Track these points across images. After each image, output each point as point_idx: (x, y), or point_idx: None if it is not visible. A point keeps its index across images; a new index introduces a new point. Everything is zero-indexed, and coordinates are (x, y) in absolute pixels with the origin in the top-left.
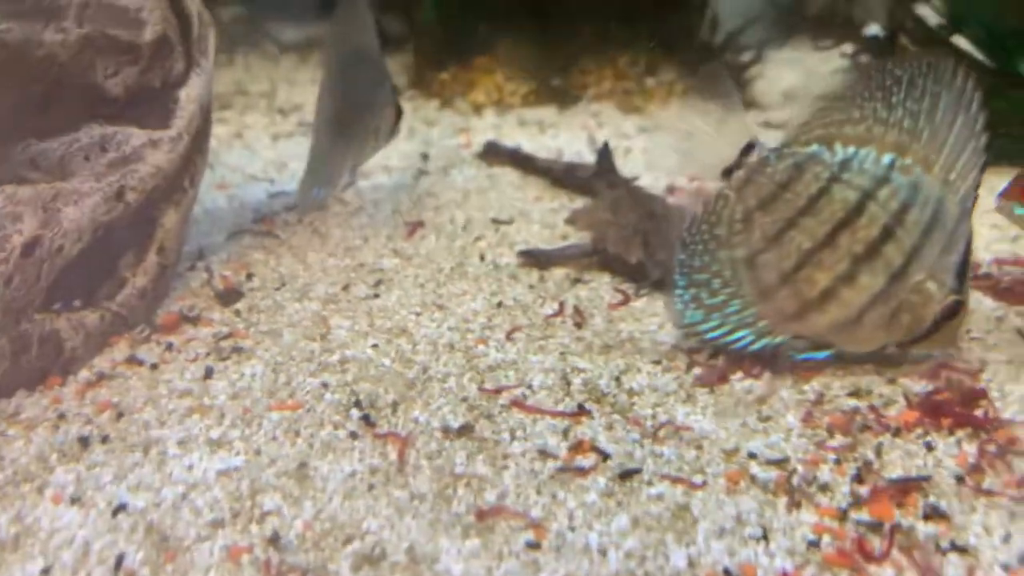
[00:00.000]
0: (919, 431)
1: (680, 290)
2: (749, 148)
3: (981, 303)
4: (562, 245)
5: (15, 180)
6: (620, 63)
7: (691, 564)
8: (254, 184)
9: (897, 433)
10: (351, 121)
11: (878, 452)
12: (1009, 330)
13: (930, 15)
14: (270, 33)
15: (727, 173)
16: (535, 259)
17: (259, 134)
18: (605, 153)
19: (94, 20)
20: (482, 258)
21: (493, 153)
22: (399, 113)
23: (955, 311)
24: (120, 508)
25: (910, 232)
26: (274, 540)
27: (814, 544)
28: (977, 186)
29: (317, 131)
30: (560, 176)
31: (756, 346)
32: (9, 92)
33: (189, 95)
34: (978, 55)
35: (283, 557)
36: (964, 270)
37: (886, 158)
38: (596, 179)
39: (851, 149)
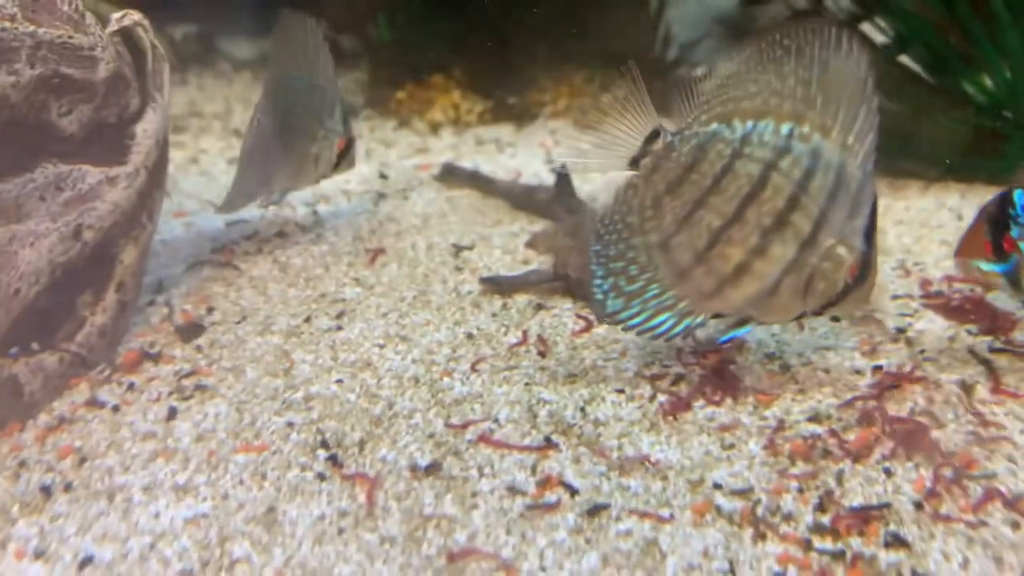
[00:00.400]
0: (878, 455)
1: (599, 280)
2: (654, 135)
3: (933, 322)
4: (524, 271)
5: None
6: (576, 80)
7: None
8: (211, 211)
9: (857, 459)
10: (280, 147)
11: (839, 479)
12: (961, 349)
13: (876, 35)
14: (223, 50)
15: (634, 162)
16: (497, 286)
17: (215, 159)
18: (563, 178)
19: (46, 61)
20: (444, 283)
21: (451, 175)
22: (350, 142)
23: (866, 273)
24: (86, 561)
25: (815, 199)
26: None
27: (781, 574)
28: (875, 148)
29: (243, 151)
30: (519, 200)
31: (678, 329)
32: None
33: (145, 130)
34: (923, 74)
35: None
36: (872, 232)
37: (784, 128)
38: (555, 203)
39: (749, 124)
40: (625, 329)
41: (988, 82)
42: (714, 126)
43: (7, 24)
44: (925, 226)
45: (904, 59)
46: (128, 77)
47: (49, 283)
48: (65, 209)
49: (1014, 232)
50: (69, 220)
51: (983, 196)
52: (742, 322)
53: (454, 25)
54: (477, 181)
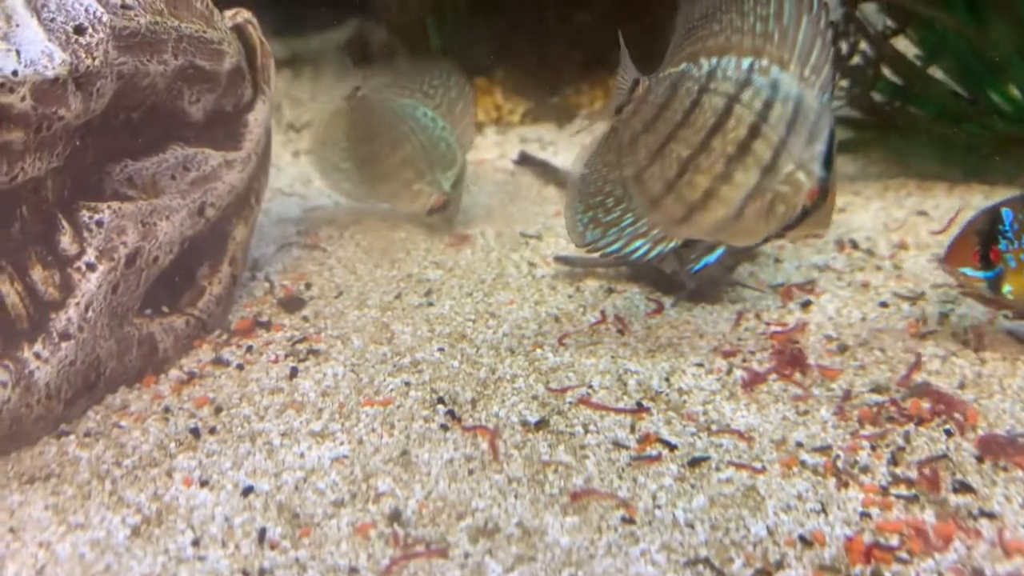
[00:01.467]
0: (937, 421)
1: (579, 215)
2: (635, 83)
3: (973, 308)
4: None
5: (117, 197)
6: (610, 83)
7: (770, 532)
8: (285, 199)
9: (920, 423)
10: (391, 165)
11: (906, 438)
12: (1000, 332)
13: (908, 47)
14: None
15: (618, 111)
16: (570, 264)
17: (279, 151)
18: None
19: (186, 52)
20: (518, 268)
21: (525, 162)
22: (445, 204)
23: (823, 195)
24: (248, 490)
25: (775, 128)
26: (395, 517)
27: (866, 515)
28: (832, 78)
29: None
30: None
31: (652, 253)
32: (117, 117)
33: (256, 119)
34: (954, 85)
35: (406, 531)
36: (830, 158)
37: (745, 63)
38: None
39: (714, 60)
40: (603, 255)
41: (1015, 92)
42: (683, 65)
43: (158, 18)
44: (954, 223)
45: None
46: (244, 70)
47: (179, 254)
48: (192, 188)
49: (1002, 245)
50: (195, 198)
51: (1004, 196)
52: (711, 248)
53: (496, 30)
54: (547, 170)
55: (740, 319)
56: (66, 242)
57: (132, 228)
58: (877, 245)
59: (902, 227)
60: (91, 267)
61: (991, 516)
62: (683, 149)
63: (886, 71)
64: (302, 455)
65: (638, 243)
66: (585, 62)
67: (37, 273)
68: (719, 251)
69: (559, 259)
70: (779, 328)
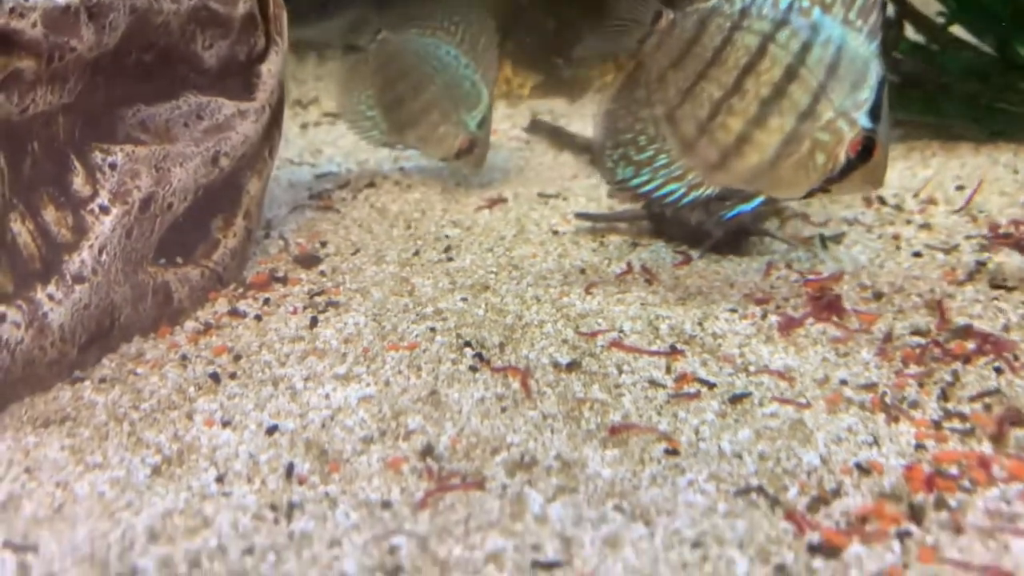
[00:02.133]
0: (988, 358)
1: (609, 150)
2: (657, 16)
3: (1010, 256)
4: (618, 210)
5: (130, 141)
6: (620, 57)
7: (823, 461)
8: (295, 168)
9: (968, 361)
10: (417, 108)
11: (955, 376)
12: None
13: (928, 3)
14: None
15: (641, 42)
16: (591, 220)
17: (287, 123)
18: None
19: None
20: (538, 225)
21: (537, 128)
22: (472, 144)
23: (869, 148)
24: (272, 429)
25: (814, 71)
26: (427, 452)
27: (921, 447)
28: (881, 24)
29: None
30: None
31: (687, 199)
32: (129, 57)
33: (269, 70)
34: (979, 43)
35: (440, 465)
36: (878, 108)
37: (784, 2)
38: None
39: None
40: (637, 195)
41: None
42: (714, 1)
43: None
44: (984, 180)
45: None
46: (257, 18)
47: (193, 203)
48: (205, 136)
49: None
50: (209, 146)
51: None
52: (749, 197)
53: (506, 2)
54: (559, 135)
55: (770, 269)
56: (79, 183)
57: (146, 172)
58: (905, 201)
59: (928, 184)
60: (104, 210)
61: None
62: (714, 89)
63: (909, 30)
64: (327, 396)
65: (673, 186)
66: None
67: (50, 214)
68: (756, 201)
69: (580, 216)
70: (813, 276)
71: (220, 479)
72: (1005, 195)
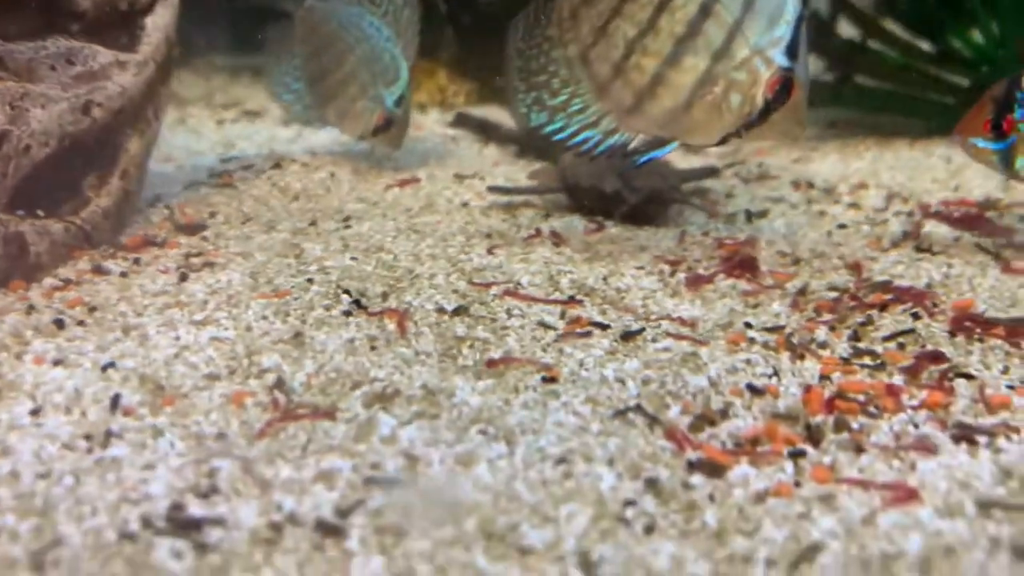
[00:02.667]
0: (905, 306)
1: (521, 95)
2: None
3: (939, 228)
4: (531, 183)
5: None
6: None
7: (712, 383)
8: (202, 157)
9: (884, 308)
10: (336, 83)
11: (868, 320)
12: (967, 245)
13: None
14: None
15: None
16: (504, 192)
17: (203, 120)
18: None
19: None
20: (449, 201)
21: (463, 123)
22: (388, 121)
23: (787, 87)
24: (109, 366)
25: (729, 8)
26: (278, 386)
27: (826, 379)
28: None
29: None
30: (525, 141)
31: (602, 147)
32: None
33: (155, 23)
34: (910, 36)
35: (291, 399)
36: (796, 46)
37: None
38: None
39: None
40: (552, 141)
41: (978, 37)
42: None
43: None
44: (917, 168)
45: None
46: None
47: (57, 150)
48: (75, 82)
49: (1017, 114)
50: (79, 94)
51: None
52: (663, 142)
53: (439, 12)
54: (486, 127)
55: (685, 237)
56: None
57: None
58: (836, 187)
59: (860, 173)
60: None
61: (969, 377)
62: (628, 27)
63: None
64: (177, 338)
65: (588, 133)
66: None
67: None
68: (669, 147)
69: (492, 189)
70: (729, 241)
71: (35, 412)
72: (937, 182)
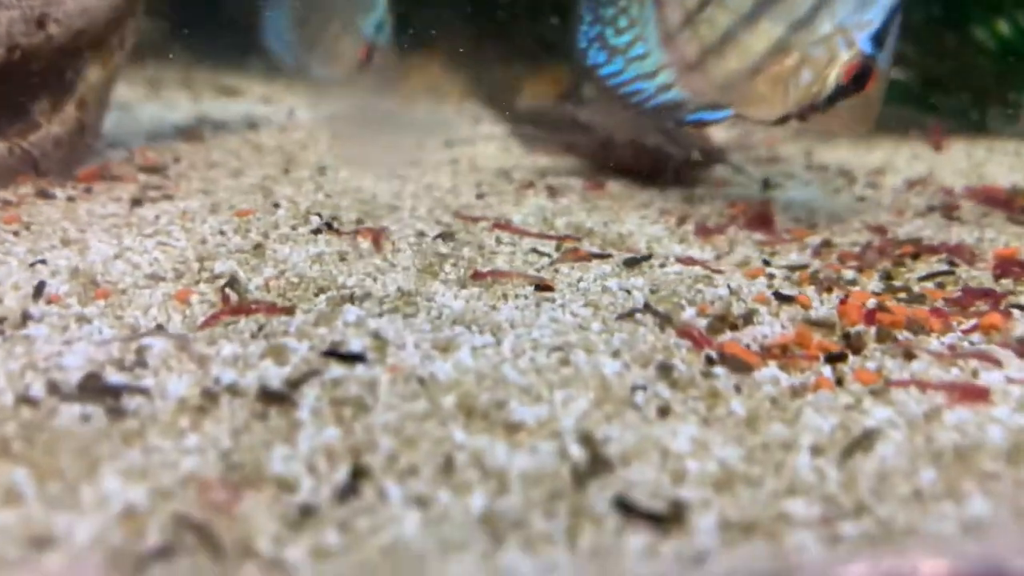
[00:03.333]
0: (939, 256)
1: (585, 26)
2: None
3: (965, 204)
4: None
5: None
6: (559, 71)
7: (733, 292)
8: (174, 122)
9: (916, 257)
10: (316, 25)
11: (901, 263)
12: (999, 219)
13: None
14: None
15: None
16: (530, 140)
17: (176, 96)
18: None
19: None
20: (438, 161)
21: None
22: (370, 51)
23: (864, 75)
24: (39, 263)
25: None
26: (231, 284)
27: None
28: None
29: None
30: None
31: (654, 101)
32: None
33: None
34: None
35: (244, 297)
36: (883, 36)
37: None
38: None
39: None
40: (601, 82)
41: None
42: None
43: None
44: (936, 160)
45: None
46: None
47: (6, 60)
48: None
49: None
50: (33, 5)
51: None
52: (718, 107)
53: (438, 11)
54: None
55: (694, 197)
56: None
57: None
58: (851, 172)
59: (875, 161)
60: None
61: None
62: None
63: None
64: (120, 244)
65: (642, 84)
66: (524, 43)
67: None
68: (722, 113)
69: (516, 133)
70: (741, 203)
71: None
72: (959, 173)
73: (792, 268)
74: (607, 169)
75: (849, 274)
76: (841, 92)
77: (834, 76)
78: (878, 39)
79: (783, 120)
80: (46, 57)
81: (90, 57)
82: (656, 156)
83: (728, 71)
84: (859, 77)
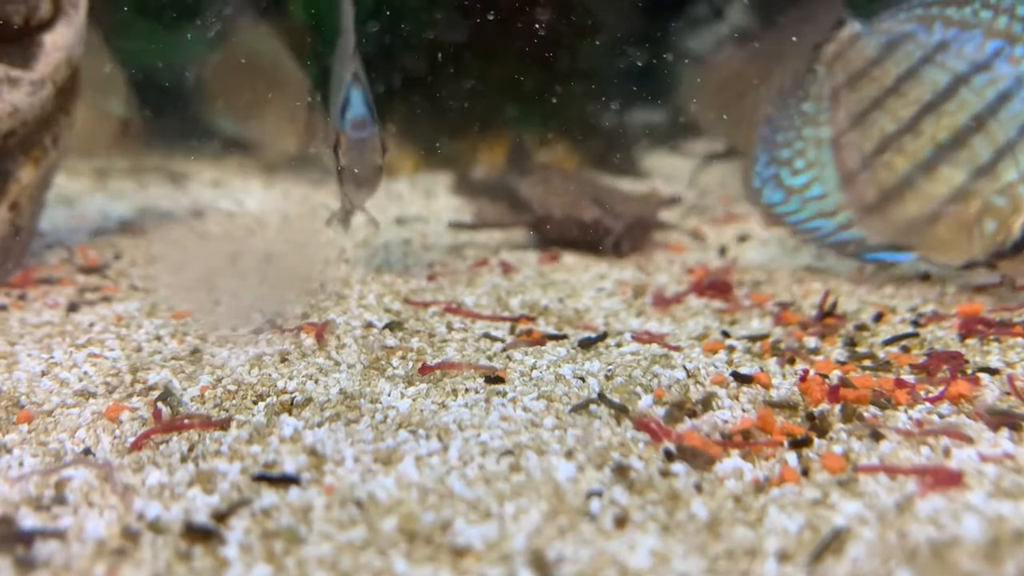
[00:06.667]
0: (900, 317)
1: (761, 167)
2: (840, 23)
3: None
4: (493, 219)
5: None
6: (514, 138)
7: (690, 375)
8: (118, 214)
9: (879, 319)
10: None
11: (862, 328)
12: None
13: None
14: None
15: (817, 47)
16: (468, 228)
17: (123, 187)
18: (520, 147)
19: None
20: (389, 241)
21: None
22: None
23: None
24: None
25: (1005, 127)
26: (164, 398)
27: (823, 376)
28: None
29: None
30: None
31: (833, 238)
32: None
33: (55, 42)
34: None
35: (177, 411)
36: None
37: (991, 44)
38: (511, 173)
39: (952, 30)
40: (781, 223)
41: None
42: (911, 25)
43: None
44: None
45: None
46: None
47: None
48: None
49: None
50: None
51: None
52: (900, 248)
53: (392, 81)
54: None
55: (651, 265)
56: None
57: None
58: None
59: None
60: None
61: (993, 371)
62: (888, 121)
63: None
64: (50, 358)
65: (821, 222)
66: (477, 113)
67: None
68: (905, 255)
69: (453, 224)
70: (699, 267)
71: None
72: None
73: (752, 338)
74: (555, 242)
75: (811, 342)
76: None
77: (1020, 226)
78: None
79: (971, 266)
80: None
81: (22, 157)
82: (595, 229)
83: (908, 216)
84: None
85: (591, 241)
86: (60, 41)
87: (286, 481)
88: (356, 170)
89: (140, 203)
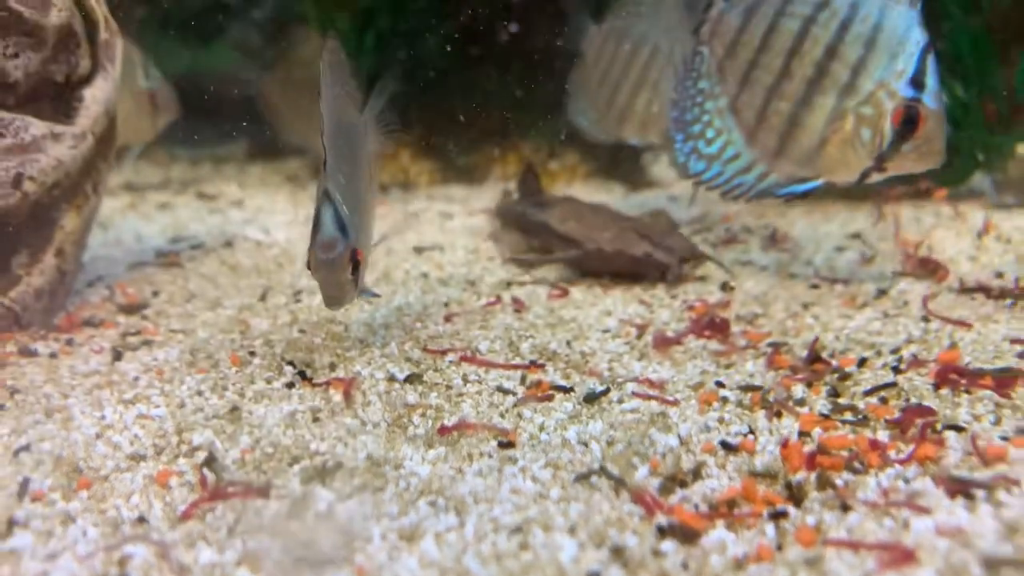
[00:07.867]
0: (883, 360)
1: (679, 144)
2: (708, 5)
3: (913, 285)
4: (549, 255)
5: None
6: (524, 149)
7: (683, 443)
8: (150, 238)
9: (861, 365)
10: None
11: (846, 377)
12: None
13: None
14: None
15: (696, 30)
16: (527, 265)
17: (149, 208)
18: (530, 172)
19: None
20: (407, 272)
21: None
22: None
23: (912, 117)
24: (23, 449)
25: (852, 47)
26: (208, 463)
27: (805, 435)
28: None
29: None
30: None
31: (756, 189)
32: None
33: (95, 95)
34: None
35: (221, 477)
36: (920, 76)
37: None
38: (524, 201)
39: None
40: (708, 188)
41: None
42: None
43: None
44: (888, 229)
45: None
46: (79, 35)
47: None
48: (5, 155)
49: None
50: (9, 166)
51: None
52: (806, 179)
53: (404, 93)
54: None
55: (654, 301)
56: None
57: None
58: (804, 246)
59: (830, 237)
60: None
61: (959, 428)
62: (765, 75)
63: None
64: (103, 418)
65: (741, 179)
66: (492, 126)
67: None
68: (812, 184)
69: (512, 260)
70: (698, 303)
71: None
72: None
73: (744, 388)
74: (595, 274)
75: (799, 391)
76: (899, 137)
77: (888, 126)
78: (916, 81)
79: (865, 176)
80: (23, 213)
81: (66, 205)
82: (645, 263)
83: (803, 149)
84: (909, 120)
85: (636, 273)
86: (99, 95)
87: (321, 563)
88: (324, 289)
89: (171, 224)
